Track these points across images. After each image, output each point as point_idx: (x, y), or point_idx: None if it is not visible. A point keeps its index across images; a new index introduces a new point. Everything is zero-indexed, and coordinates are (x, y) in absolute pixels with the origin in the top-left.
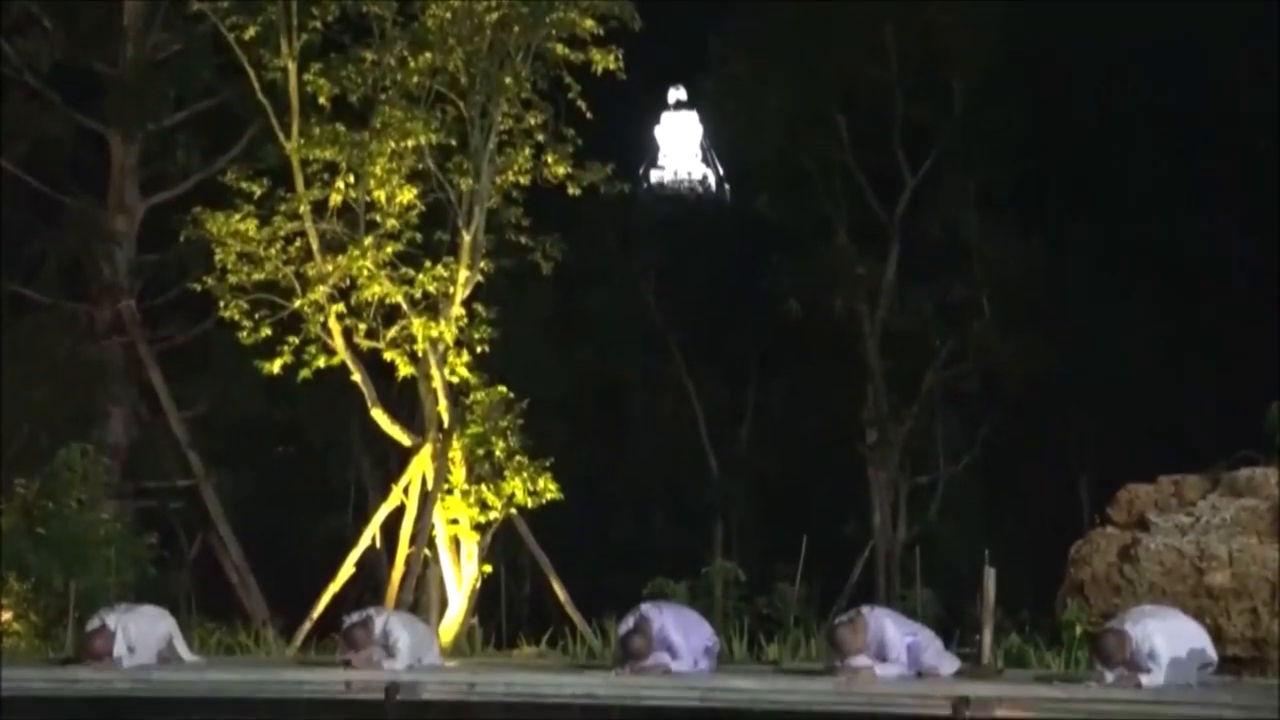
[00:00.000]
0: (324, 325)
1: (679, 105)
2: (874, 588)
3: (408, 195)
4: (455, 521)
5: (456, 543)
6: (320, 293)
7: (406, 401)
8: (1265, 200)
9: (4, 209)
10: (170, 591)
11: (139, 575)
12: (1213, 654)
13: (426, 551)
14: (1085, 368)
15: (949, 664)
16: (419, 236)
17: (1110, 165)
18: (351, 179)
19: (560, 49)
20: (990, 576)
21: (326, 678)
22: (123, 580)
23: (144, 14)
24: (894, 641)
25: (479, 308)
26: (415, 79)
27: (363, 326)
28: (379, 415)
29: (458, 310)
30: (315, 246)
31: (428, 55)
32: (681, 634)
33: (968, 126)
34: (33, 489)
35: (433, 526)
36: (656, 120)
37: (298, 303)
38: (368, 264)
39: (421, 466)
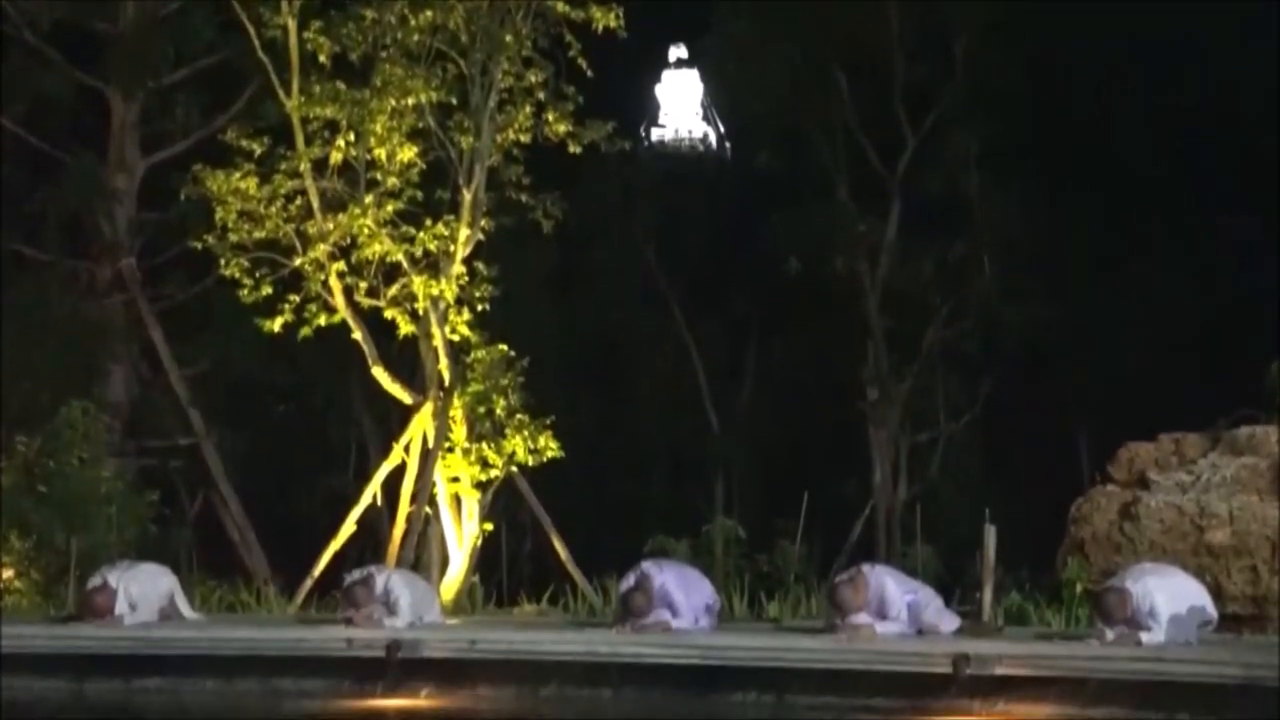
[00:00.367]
0: (325, 283)
1: (680, 63)
2: (874, 546)
3: (408, 153)
4: (456, 479)
5: (457, 501)
6: (321, 251)
7: (407, 360)
8: (1266, 157)
9: (4, 167)
10: (171, 549)
11: (140, 533)
12: (1213, 612)
13: (427, 509)
14: (1086, 326)
15: (949, 622)
16: (420, 195)
17: (1111, 125)
18: (352, 137)
19: (561, 6)
20: (991, 534)
21: (328, 635)
22: (124, 538)
23: None
24: (894, 599)
25: (480, 266)
26: (416, 37)
27: (363, 285)
28: (380, 373)
29: (458, 268)
30: (316, 205)
31: (428, 13)
32: (682, 592)
33: (969, 85)
34: (34, 447)
35: (434, 484)
36: (657, 78)
37: (298, 261)
38: (368, 222)
39: (422, 425)
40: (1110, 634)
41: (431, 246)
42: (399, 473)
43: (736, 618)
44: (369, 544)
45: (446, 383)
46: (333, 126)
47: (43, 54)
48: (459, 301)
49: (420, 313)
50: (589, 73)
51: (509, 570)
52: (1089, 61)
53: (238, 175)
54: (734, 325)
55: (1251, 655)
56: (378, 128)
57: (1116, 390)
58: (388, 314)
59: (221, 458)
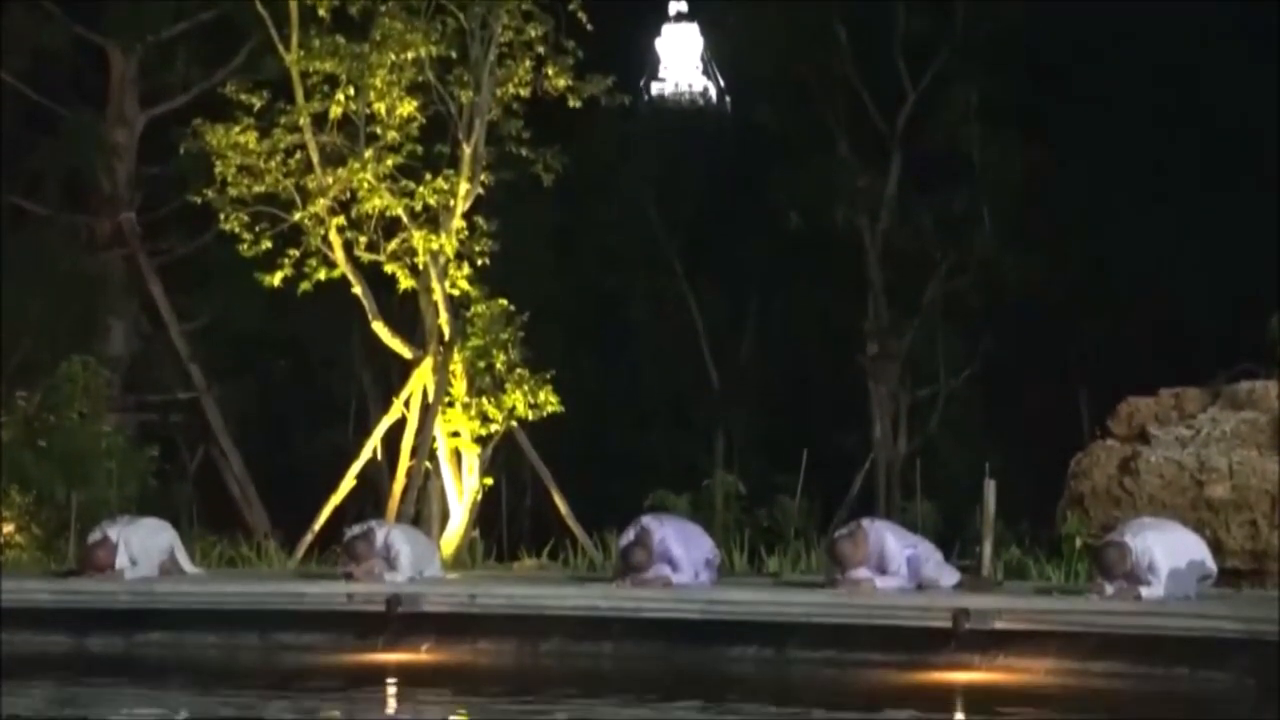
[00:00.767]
0: (324, 238)
1: (679, 17)
2: (874, 500)
3: (408, 108)
4: (456, 434)
5: (457, 455)
6: (321, 205)
7: (407, 314)
8: (1266, 108)
9: (4, 122)
10: (172, 504)
11: (140, 488)
12: (1212, 566)
13: (427, 464)
14: (1086, 281)
15: (949, 576)
16: (419, 149)
17: (1112, 77)
18: (351, 91)
19: None
20: (990, 489)
21: (328, 590)
22: (124, 493)
23: None
24: (894, 554)
25: (479, 220)
26: None
27: (363, 239)
28: (379, 328)
29: (458, 223)
30: (315, 159)
31: None
32: (682, 546)
33: (969, 38)
34: (34, 402)
35: (434, 439)
36: (657, 32)
37: (298, 215)
38: (368, 177)
39: (422, 379)
40: (1109, 588)
41: (431, 201)
42: (399, 427)
43: (736, 572)
44: (369, 499)
45: (446, 337)
46: (332, 81)
47: (42, 8)
48: (459, 256)
49: (420, 267)
50: (589, 26)
51: (509, 525)
52: (1089, 13)
53: (237, 130)
54: (734, 280)
55: (1251, 610)
56: (377, 82)
57: (1117, 345)
58: (387, 269)
59: (221, 412)
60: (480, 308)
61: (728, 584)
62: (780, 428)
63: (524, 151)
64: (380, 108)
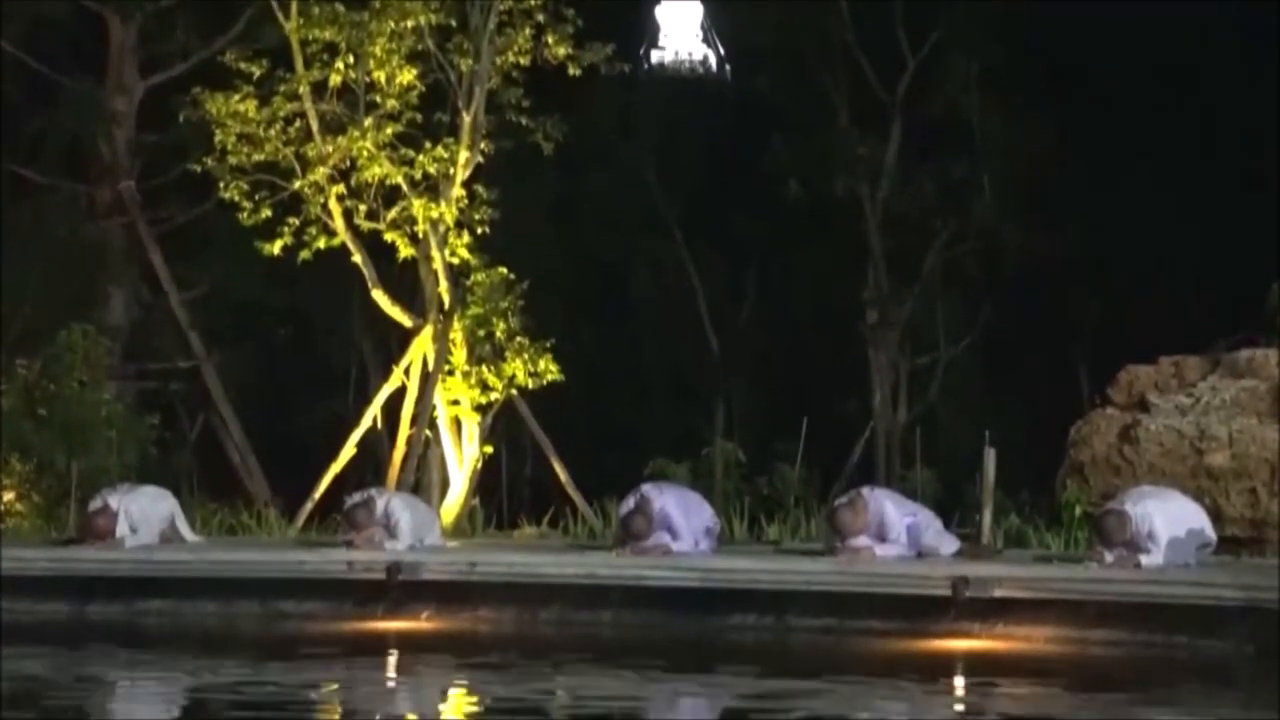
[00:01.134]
0: (324, 206)
1: None
2: (874, 468)
3: (407, 76)
4: (456, 402)
5: (457, 424)
6: (320, 174)
7: (407, 283)
8: (1267, 78)
9: (3, 90)
10: (172, 472)
11: (141, 456)
12: (1212, 534)
13: (427, 432)
14: (1086, 249)
15: (949, 544)
16: (419, 117)
17: (1113, 45)
18: (351, 59)
19: None
20: (990, 457)
21: (328, 558)
22: (125, 461)
23: None
24: (894, 522)
25: (479, 189)
26: None
27: (363, 207)
28: (379, 296)
29: (458, 191)
30: (315, 127)
31: None
32: (682, 514)
33: (969, 7)
34: (34, 370)
35: (434, 407)
36: (657, 1)
37: (298, 184)
38: (368, 145)
39: (422, 348)
40: (1109, 556)
41: (431, 169)
42: (399, 396)
43: (736, 540)
44: (369, 467)
45: (446, 306)
46: (332, 49)
47: None
48: (459, 224)
49: (420, 236)
50: None
51: (509, 493)
52: None
53: (237, 98)
54: (734, 248)
55: (1250, 578)
56: (377, 50)
57: (1117, 313)
58: (387, 237)
59: (221, 381)
60: (480, 276)
61: (727, 552)
62: (780, 396)
63: (524, 120)
64: (380, 76)
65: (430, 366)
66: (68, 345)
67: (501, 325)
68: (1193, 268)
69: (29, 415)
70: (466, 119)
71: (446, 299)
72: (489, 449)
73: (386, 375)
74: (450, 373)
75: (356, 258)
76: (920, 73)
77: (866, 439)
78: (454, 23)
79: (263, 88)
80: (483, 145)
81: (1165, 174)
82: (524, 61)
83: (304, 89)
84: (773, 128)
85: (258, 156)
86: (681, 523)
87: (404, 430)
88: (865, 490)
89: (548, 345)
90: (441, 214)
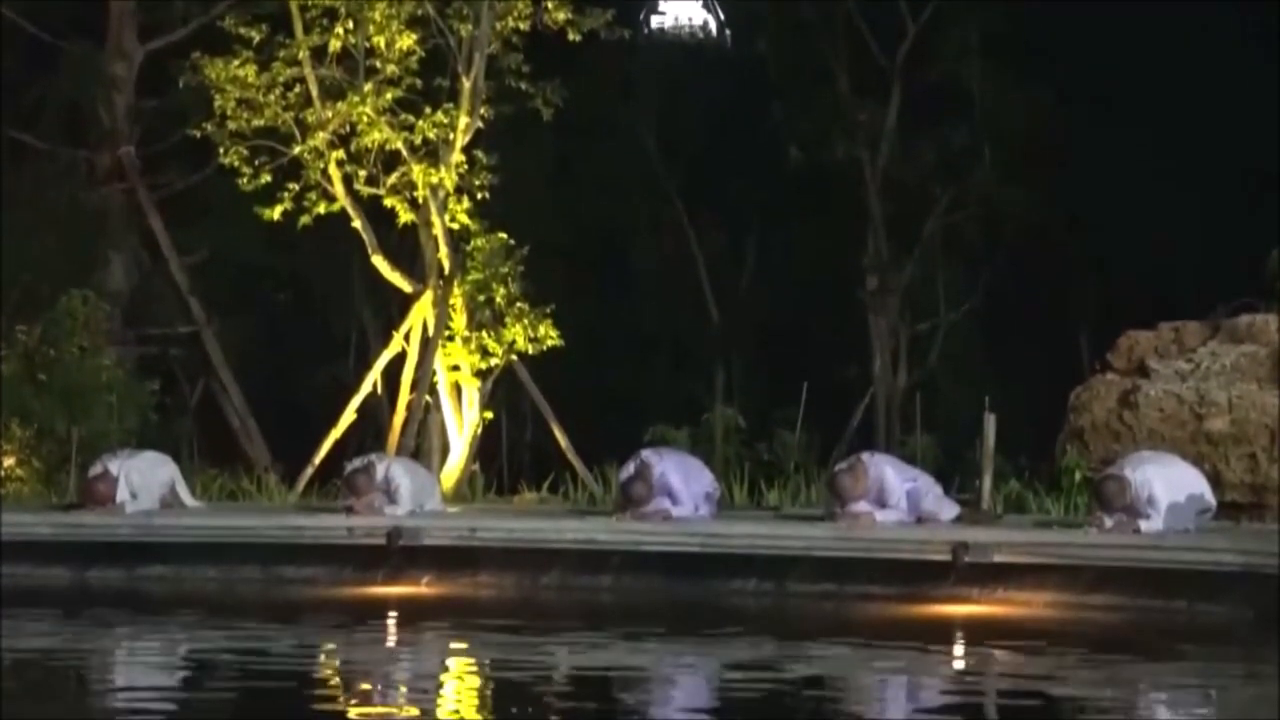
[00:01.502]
0: (324, 172)
1: None
2: (874, 434)
3: (407, 41)
4: (456, 368)
5: (458, 389)
6: (320, 139)
7: (407, 248)
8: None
9: (3, 55)
10: (172, 437)
11: (141, 421)
12: (1211, 500)
13: (428, 398)
14: (1086, 215)
15: (948, 509)
16: (419, 83)
17: (1110, 12)
18: (350, 24)
19: None
20: (990, 422)
21: (329, 523)
22: (125, 426)
23: None
24: (894, 487)
25: (479, 154)
26: None
27: (363, 173)
28: (379, 262)
29: (458, 156)
30: (315, 93)
31: None
32: (682, 480)
33: None
34: (34, 336)
35: (434, 373)
36: None
37: (297, 149)
38: (367, 110)
39: (422, 313)
40: (1109, 522)
41: (431, 135)
42: (399, 361)
43: (736, 506)
44: (369, 432)
45: (446, 271)
46: (331, 14)
47: None
48: (458, 190)
49: (420, 201)
50: None
51: (509, 458)
52: None
53: (236, 63)
54: (734, 214)
55: (1250, 543)
56: (376, 15)
57: (1117, 278)
58: (387, 202)
59: (222, 346)
60: (480, 242)
61: (727, 517)
62: (780, 362)
63: (523, 85)
64: (379, 41)
65: (430, 332)
66: (68, 311)
67: (501, 291)
68: (1193, 233)
69: (29, 380)
70: (466, 84)
71: (446, 264)
72: (489, 414)
73: (387, 340)
74: (450, 338)
75: (356, 223)
76: (920, 39)
77: (866, 405)
78: None
79: (262, 53)
80: (482, 110)
81: (1165, 140)
82: (524, 26)
83: (303, 54)
84: (773, 94)
85: (257, 122)
86: (681, 488)
87: (404, 396)
88: (865, 456)
89: (548, 311)
90: (441, 179)
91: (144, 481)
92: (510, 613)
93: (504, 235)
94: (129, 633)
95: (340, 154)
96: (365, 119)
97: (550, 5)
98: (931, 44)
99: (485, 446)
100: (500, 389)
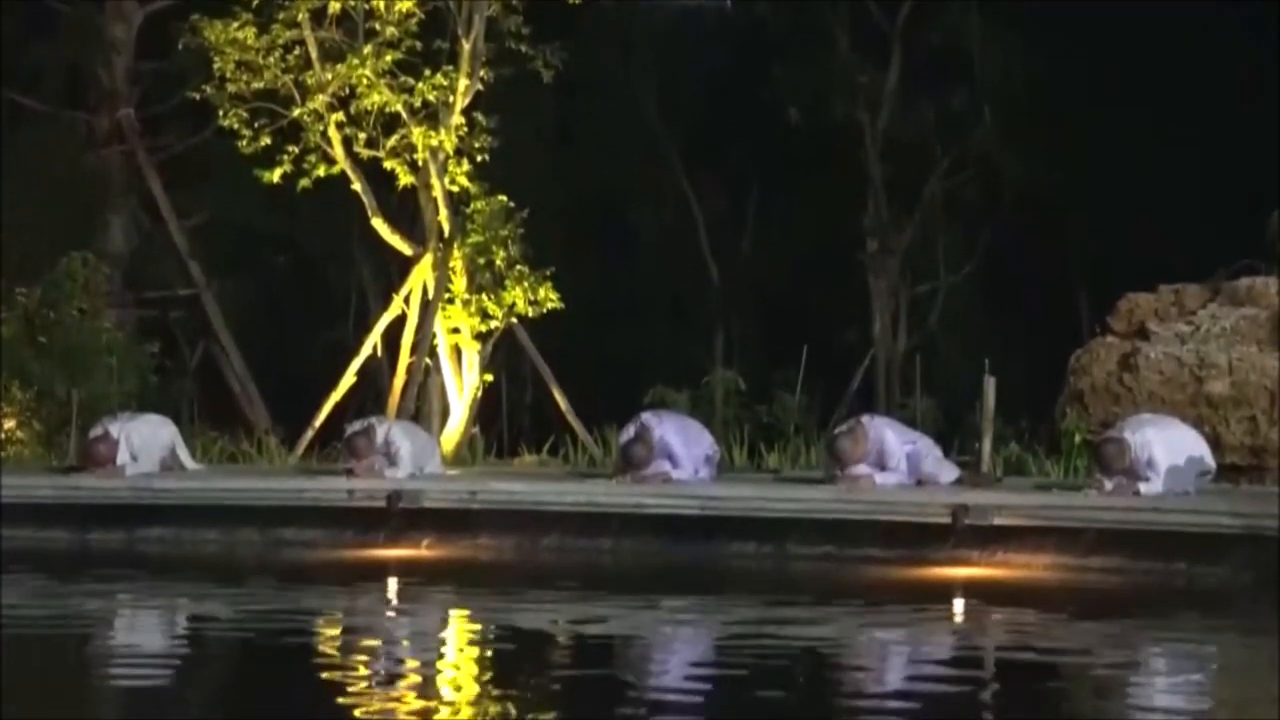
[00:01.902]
0: (323, 134)
1: None
2: (874, 397)
3: (406, 3)
4: (456, 330)
5: (458, 352)
6: (319, 101)
7: (407, 211)
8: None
9: (2, 18)
10: (172, 400)
11: (141, 384)
12: (1211, 462)
13: (428, 361)
14: (1087, 177)
15: (948, 472)
16: (418, 45)
17: None
18: None
19: None
20: (990, 385)
21: (329, 486)
22: (125, 389)
23: None
24: (893, 450)
25: (479, 116)
26: None
27: (362, 135)
28: (379, 224)
29: (458, 119)
30: (314, 55)
31: None
32: (682, 442)
33: None
34: (34, 298)
35: (434, 336)
36: None
37: (297, 111)
38: (367, 72)
39: (422, 276)
40: (1108, 484)
41: (430, 97)
42: (399, 324)
43: (736, 468)
44: (369, 395)
45: (446, 234)
46: None
47: None
48: (458, 152)
49: (419, 164)
50: None
51: (509, 421)
52: None
53: (235, 25)
54: (734, 177)
55: (1249, 505)
56: None
57: (1117, 241)
58: (387, 165)
59: (221, 309)
60: (480, 204)
61: (727, 480)
62: (780, 324)
63: (523, 48)
64: (379, 3)
65: (430, 295)
66: (67, 273)
67: (501, 253)
68: (1193, 195)
69: (29, 343)
70: (466, 46)
71: (446, 227)
72: (489, 377)
73: (386, 303)
74: (450, 301)
75: (356, 186)
76: (920, 0)
77: (866, 367)
78: None
79: (262, 15)
80: (482, 73)
81: (1167, 102)
82: None
83: (303, 16)
84: (773, 55)
85: (257, 84)
86: (681, 451)
87: (404, 358)
88: (865, 418)
89: (548, 273)
90: (441, 142)
91: (144, 444)
92: (510, 575)
93: (504, 198)
94: (129, 596)
95: (340, 116)
96: (365, 81)
97: None
98: (932, 5)
99: (485, 409)
100: (500, 352)
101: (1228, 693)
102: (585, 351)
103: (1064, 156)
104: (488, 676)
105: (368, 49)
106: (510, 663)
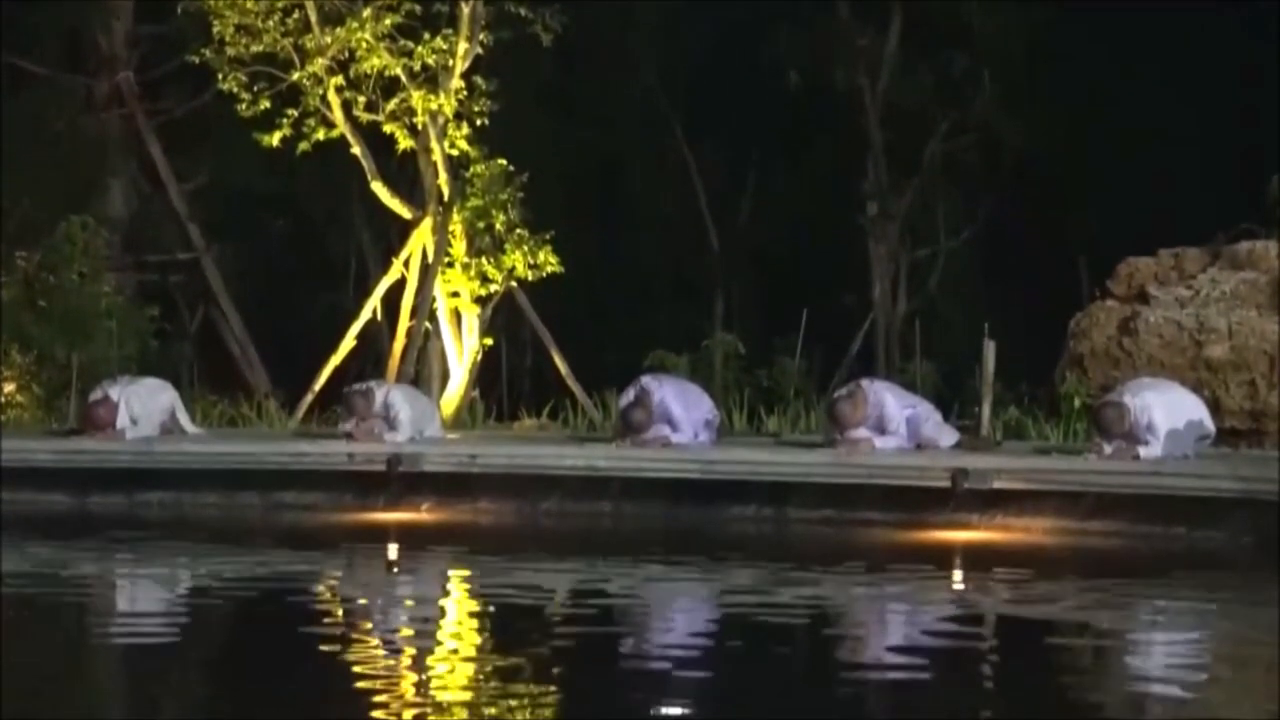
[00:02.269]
0: (323, 98)
1: None
2: (873, 361)
3: None
4: (456, 294)
5: (457, 316)
6: (319, 65)
7: (406, 175)
8: None
9: None
10: (172, 364)
11: (141, 347)
12: (1210, 426)
13: (427, 324)
14: (1087, 141)
15: (948, 436)
16: (417, 8)
17: None
18: None
19: None
20: (989, 349)
21: (329, 450)
22: (125, 352)
23: None
24: (893, 414)
25: (478, 80)
26: None
27: (362, 99)
28: (379, 188)
29: (457, 83)
30: (314, 18)
31: None
32: (682, 406)
33: None
34: (33, 262)
35: (433, 299)
36: None
37: (296, 75)
38: (366, 36)
39: (422, 239)
40: (1108, 448)
41: (430, 61)
42: (399, 288)
43: (736, 432)
44: (369, 359)
45: (446, 197)
46: None
47: None
48: (458, 116)
49: (419, 127)
50: None
51: (509, 385)
52: None
53: None
54: (734, 141)
55: (1249, 469)
56: None
57: (1117, 205)
58: (386, 129)
59: (221, 272)
60: (479, 168)
61: (727, 444)
62: (779, 288)
63: (523, 11)
64: None
65: (430, 258)
66: (67, 237)
67: (501, 217)
68: (1193, 160)
69: (29, 307)
70: (465, 10)
71: (446, 191)
72: (489, 341)
73: (386, 267)
74: (450, 265)
75: (355, 149)
76: None
77: (866, 331)
78: None
79: None
80: (482, 36)
81: (1167, 66)
82: None
83: None
84: (773, 19)
85: (256, 48)
86: (681, 415)
87: (404, 322)
88: (865, 382)
89: (547, 237)
90: (440, 105)
91: (144, 408)
92: (510, 539)
93: (503, 161)
94: (129, 559)
95: (339, 80)
96: (364, 45)
97: None
98: None
99: (485, 373)
100: (500, 315)
101: (1225, 654)
102: (585, 315)
103: (1064, 121)
104: (487, 639)
105: (367, 12)
106: (508, 626)
